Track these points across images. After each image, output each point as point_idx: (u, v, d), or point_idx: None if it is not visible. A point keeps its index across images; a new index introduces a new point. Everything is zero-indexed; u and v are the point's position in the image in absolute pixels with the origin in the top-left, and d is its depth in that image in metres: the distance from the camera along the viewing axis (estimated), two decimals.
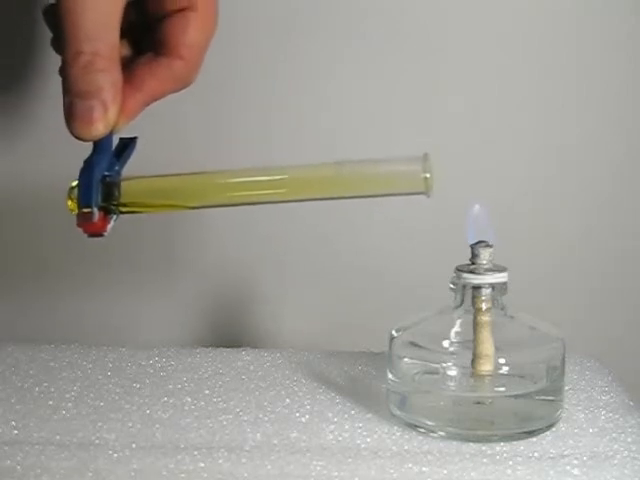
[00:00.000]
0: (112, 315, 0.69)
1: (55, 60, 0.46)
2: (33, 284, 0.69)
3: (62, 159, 0.64)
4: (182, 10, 0.47)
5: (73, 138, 0.44)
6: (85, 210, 0.44)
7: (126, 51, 0.49)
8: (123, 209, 0.46)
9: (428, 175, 0.43)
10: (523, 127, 0.66)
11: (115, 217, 0.46)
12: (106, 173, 0.45)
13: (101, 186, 0.45)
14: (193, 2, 0.47)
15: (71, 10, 0.43)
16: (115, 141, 0.48)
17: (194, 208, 0.46)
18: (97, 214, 0.44)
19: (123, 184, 0.45)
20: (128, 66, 0.47)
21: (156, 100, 0.48)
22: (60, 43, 0.44)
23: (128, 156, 0.48)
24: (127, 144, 0.48)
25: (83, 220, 0.44)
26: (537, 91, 0.65)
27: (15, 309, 0.69)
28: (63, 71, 0.43)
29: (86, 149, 0.46)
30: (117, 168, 0.46)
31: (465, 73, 0.65)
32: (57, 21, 0.43)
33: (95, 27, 0.43)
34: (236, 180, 0.46)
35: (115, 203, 0.45)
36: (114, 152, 0.47)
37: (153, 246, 0.68)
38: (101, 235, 0.45)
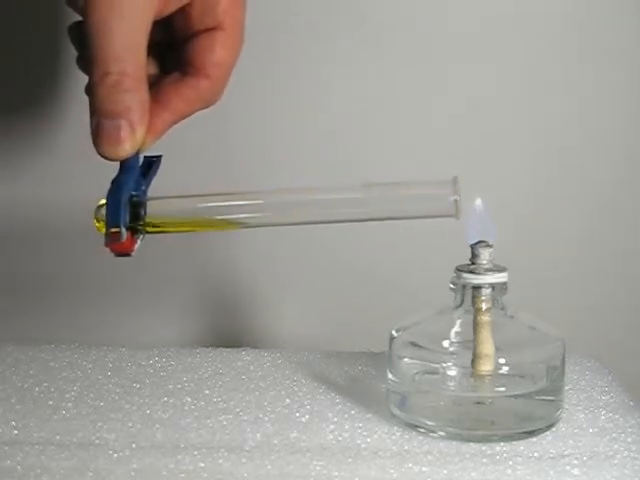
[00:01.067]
0: (112, 315, 0.69)
1: (79, 78, 0.46)
2: (33, 284, 0.69)
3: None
4: (209, 30, 0.47)
5: (97, 156, 0.44)
6: (113, 230, 0.44)
7: (152, 70, 0.48)
8: (150, 229, 0.45)
9: (457, 198, 0.43)
10: (524, 128, 0.66)
11: (142, 237, 0.45)
12: (133, 193, 0.45)
13: (128, 206, 0.44)
14: (220, 22, 0.47)
15: (98, 30, 0.42)
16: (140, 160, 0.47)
17: (219, 229, 0.46)
18: (125, 234, 0.44)
19: (149, 204, 0.45)
20: (155, 85, 0.47)
21: (183, 119, 0.47)
22: (86, 62, 0.44)
23: (153, 174, 0.48)
24: (152, 162, 0.48)
25: (111, 240, 0.44)
26: (538, 91, 0.65)
27: (15, 309, 0.69)
28: (90, 91, 0.43)
29: (105, 167, 0.45)
30: (143, 187, 0.46)
31: (466, 74, 0.65)
32: (84, 40, 0.43)
33: (122, 47, 0.42)
34: (263, 202, 0.45)
35: (142, 223, 0.45)
36: (140, 171, 0.47)
37: (153, 246, 0.68)
38: (128, 255, 0.45)
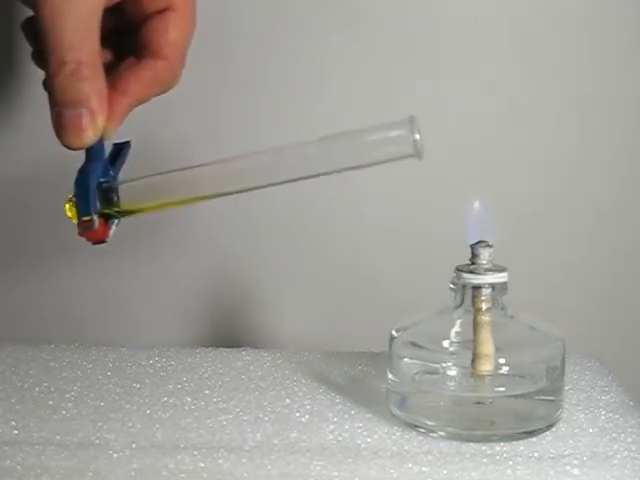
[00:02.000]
0: (112, 315, 0.69)
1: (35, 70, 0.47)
2: (33, 284, 0.69)
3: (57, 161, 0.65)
4: (161, 11, 0.48)
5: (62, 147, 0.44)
6: (85, 219, 0.44)
7: (108, 58, 0.49)
8: (123, 213, 0.45)
9: (417, 137, 0.43)
10: (524, 127, 0.66)
11: (117, 222, 0.46)
12: (102, 179, 0.45)
13: (98, 193, 0.45)
14: (172, 2, 0.48)
15: (51, 21, 0.43)
16: (109, 147, 0.48)
17: (192, 203, 0.46)
18: (97, 222, 0.44)
19: (121, 188, 0.45)
20: (111, 72, 0.47)
21: (142, 103, 0.48)
22: (42, 55, 0.44)
23: (123, 160, 0.48)
24: (121, 149, 0.48)
25: (84, 229, 0.44)
26: (536, 90, 0.65)
27: (15, 309, 0.69)
28: (48, 83, 0.44)
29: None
30: (112, 173, 0.46)
31: (466, 73, 0.65)
32: (38, 33, 0.43)
33: (76, 36, 0.43)
34: (227, 170, 0.45)
35: (115, 209, 0.45)
36: (109, 158, 0.47)
37: (153, 246, 0.68)
38: (104, 242, 0.45)
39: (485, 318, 0.46)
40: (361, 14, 0.64)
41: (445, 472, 0.42)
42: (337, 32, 0.64)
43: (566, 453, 0.43)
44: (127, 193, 0.45)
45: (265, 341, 0.68)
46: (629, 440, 0.45)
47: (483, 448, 0.44)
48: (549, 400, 0.46)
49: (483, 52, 0.65)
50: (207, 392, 0.51)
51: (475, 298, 0.46)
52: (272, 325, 0.68)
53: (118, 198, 0.45)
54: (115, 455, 0.43)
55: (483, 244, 0.46)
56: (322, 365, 0.56)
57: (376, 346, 0.55)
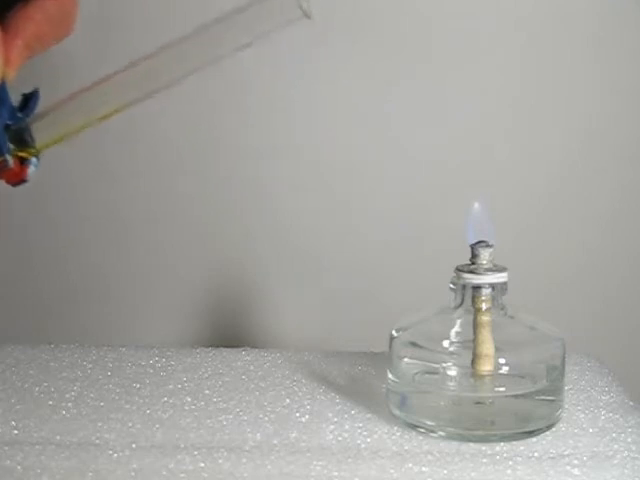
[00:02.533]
0: (112, 315, 0.69)
1: None
2: (33, 284, 0.69)
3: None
4: None
5: None
6: None
7: None
8: (38, 151, 0.46)
9: None
10: (524, 127, 0.66)
11: (35, 161, 0.46)
12: (9, 122, 0.46)
13: (9, 135, 0.45)
14: None
15: None
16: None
17: (102, 119, 0.46)
18: (11, 160, 0.45)
19: (33, 127, 0.46)
20: (2, 19, 0.47)
21: (42, 47, 0.47)
22: None
23: (33, 107, 0.48)
24: (29, 97, 0.49)
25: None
26: (539, 93, 0.65)
27: (15, 309, 0.69)
28: None
29: None
30: (20, 116, 0.47)
31: (467, 75, 0.65)
32: None
33: None
34: (118, 82, 0.45)
35: (32, 150, 0.46)
36: (18, 107, 0.47)
37: (153, 246, 0.68)
38: (24, 181, 0.46)
39: (485, 318, 0.46)
40: (362, 14, 0.64)
41: (445, 472, 0.42)
42: (337, 32, 0.64)
43: (566, 453, 0.43)
44: (39, 130, 0.46)
45: (265, 341, 0.68)
46: (629, 440, 0.45)
47: (483, 448, 0.44)
48: (549, 400, 0.46)
49: (484, 53, 0.65)
50: (207, 392, 0.51)
51: (475, 298, 0.46)
52: (272, 325, 0.68)
53: (32, 138, 0.46)
54: (115, 455, 0.43)
55: (483, 244, 0.46)
56: (322, 365, 0.56)
57: (376, 346, 0.55)
